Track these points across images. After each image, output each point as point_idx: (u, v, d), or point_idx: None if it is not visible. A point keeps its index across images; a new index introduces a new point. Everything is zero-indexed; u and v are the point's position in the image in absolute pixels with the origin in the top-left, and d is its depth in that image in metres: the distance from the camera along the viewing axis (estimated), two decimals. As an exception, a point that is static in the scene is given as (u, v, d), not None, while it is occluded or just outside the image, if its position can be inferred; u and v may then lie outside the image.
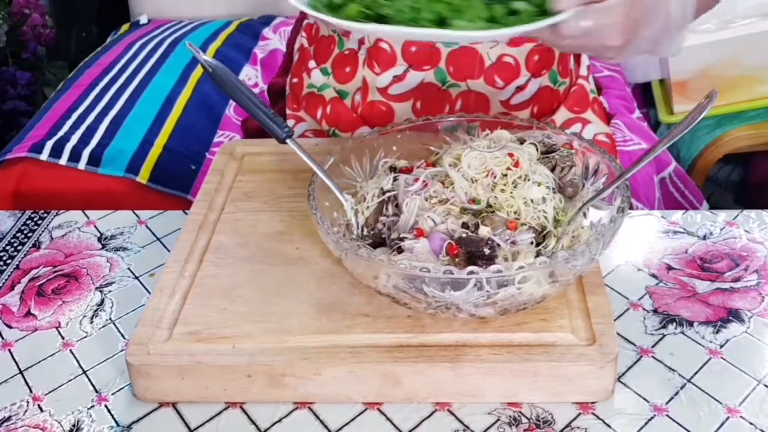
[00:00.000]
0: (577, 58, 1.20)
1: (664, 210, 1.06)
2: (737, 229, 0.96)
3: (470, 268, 0.69)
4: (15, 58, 2.47)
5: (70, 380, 0.81)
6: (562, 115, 1.15)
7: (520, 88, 1.11)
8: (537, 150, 0.85)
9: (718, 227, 0.96)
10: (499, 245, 0.75)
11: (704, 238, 0.94)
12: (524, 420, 0.74)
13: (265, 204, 0.96)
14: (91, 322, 0.87)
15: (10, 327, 0.87)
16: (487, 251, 0.74)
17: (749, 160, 1.94)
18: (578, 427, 0.73)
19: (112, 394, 0.79)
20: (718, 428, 0.72)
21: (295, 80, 1.22)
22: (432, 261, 0.75)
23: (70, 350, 0.84)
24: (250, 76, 1.92)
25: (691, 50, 1.77)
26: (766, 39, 1.75)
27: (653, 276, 0.89)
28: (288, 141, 0.84)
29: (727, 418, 0.73)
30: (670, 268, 0.90)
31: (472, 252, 0.75)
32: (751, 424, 0.73)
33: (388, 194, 0.83)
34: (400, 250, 0.77)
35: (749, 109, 1.81)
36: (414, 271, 0.70)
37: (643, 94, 2.01)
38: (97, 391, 0.79)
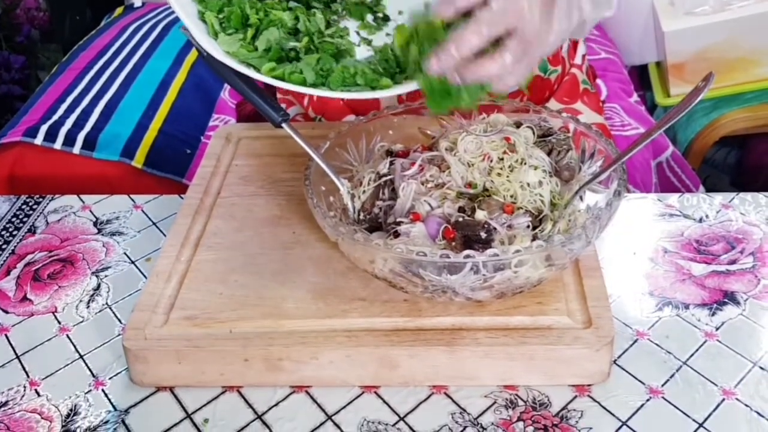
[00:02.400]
0: (574, 45, 1.20)
1: (660, 193, 1.06)
2: (733, 212, 0.96)
3: (467, 252, 0.70)
4: (8, 42, 2.45)
5: (67, 365, 0.81)
6: (551, 105, 1.14)
7: None
8: (533, 134, 0.85)
9: (714, 210, 0.96)
10: (495, 229, 0.75)
11: (700, 221, 0.95)
12: (521, 403, 0.74)
13: (262, 188, 0.96)
14: (88, 307, 0.87)
15: (6, 312, 0.87)
16: (483, 235, 0.74)
17: (746, 143, 1.93)
18: (574, 410, 0.73)
19: (109, 378, 0.79)
20: (714, 410, 0.73)
21: None
22: (428, 245, 0.75)
23: (67, 335, 0.84)
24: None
25: (688, 32, 1.76)
26: (763, 21, 1.74)
27: (649, 259, 0.89)
28: (284, 125, 0.84)
29: (723, 400, 0.74)
30: (666, 251, 0.90)
31: (468, 236, 0.75)
32: (746, 406, 0.73)
33: (384, 178, 0.83)
34: (396, 235, 0.77)
35: (746, 92, 1.81)
36: (410, 255, 0.70)
37: (640, 76, 2.00)
38: (94, 376, 0.79)
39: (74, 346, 0.83)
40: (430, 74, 0.75)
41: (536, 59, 0.76)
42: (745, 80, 1.81)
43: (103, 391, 0.78)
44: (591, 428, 0.71)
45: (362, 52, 0.87)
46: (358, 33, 0.89)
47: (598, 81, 1.44)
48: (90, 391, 0.78)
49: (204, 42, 0.81)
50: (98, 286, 0.90)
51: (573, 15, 0.78)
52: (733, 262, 0.88)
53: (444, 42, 0.73)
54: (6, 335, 0.84)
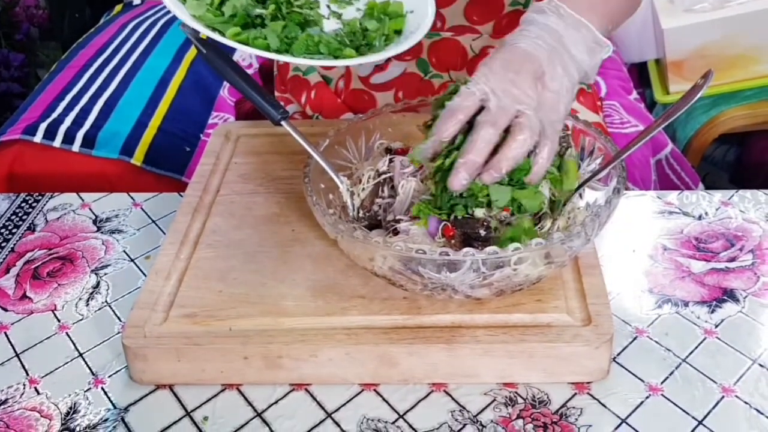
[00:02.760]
0: None
1: (660, 191, 1.06)
2: (732, 209, 0.96)
3: (466, 249, 0.69)
4: (8, 40, 2.45)
5: (67, 363, 0.81)
6: None
7: None
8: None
9: (714, 207, 0.96)
10: (494, 225, 0.75)
11: (699, 218, 0.95)
12: (520, 400, 0.74)
13: (261, 186, 0.96)
14: (87, 305, 0.87)
15: (5, 310, 0.87)
16: (482, 233, 0.74)
17: (745, 140, 1.94)
18: (574, 407, 0.73)
19: (109, 376, 0.79)
20: (713, 407, 0.73)
21: (282, 62, 1.22)
22: (428, 243, 0.75)
23: (66, 333, 0.84)
24: (245, 57, 1.91)
25: (687, 29, 1.76)
26: (762, 18, 1.74)
27: (649, 256, 0.89)
28: (283, 123, 0.84)
29: (722, 397, 0.74)
30: (665, 248, 0.90)
31: (467, 234, 0.75)
32: (745, 403, 0.73)
33: (383, 176, 0.83)
34: (395, 232, 0.77)
35: (745, 89, 1.81)
36: (410, 252, 0.70)
37: (639, 73, 2.00)
38: (93, 374, 0.79)
39: (74, 344, 0.83)
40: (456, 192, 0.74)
41: (556, 132, 0.76)
42: (744, 77, 1.81)
43: (102, 389, 0.78)
44: (590, 426, 0.71)
45: (331, 25, 0.87)
46: (329, 6, 0.89)
47: (598, 78, 1.44)
48: (89, 389, 0.78)
49: (171, 5, 0.81)
50: (98, 284, 0.90)
51: (571, 71, 0.78)
52: (732, 259, 0.88)
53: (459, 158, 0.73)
54: (5, 333, 0.84)
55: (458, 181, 0.73)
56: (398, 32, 0.89)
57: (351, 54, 0.82)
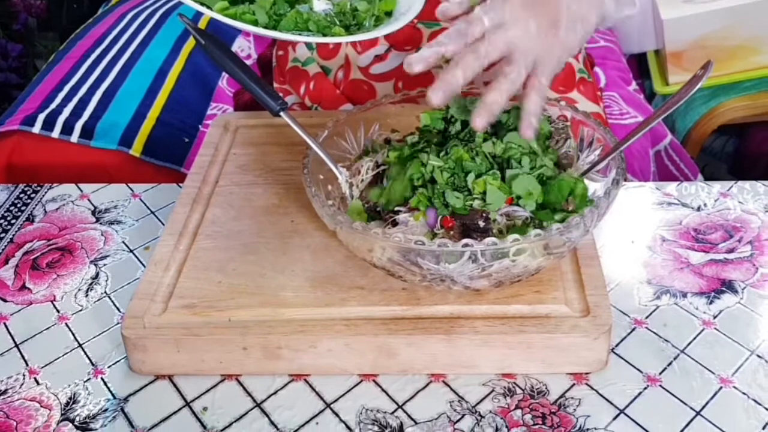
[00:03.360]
0: None
1: (658, 182, 1.06)
2: (731, 201, 0.96)
3: (465, 240, 0.70)
4: (5, 30, 2.44)
5: (66, 353, 0.81)
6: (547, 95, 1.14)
7: None
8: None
9: (712, 198, 0.96)
10: (494, 218, 0.75)
11: (698, 209, 0.95)
12: (518, 391, 0.74)
13: (260, 177, 0.96)
14: (86, 296, 0.87)
15: (5, 301, 0.87)
16: (481, 224, 0.74)
17: (744, 131, 1.93)
18: (572, 398, 0.73)
19: (108, 367, 0.79)
20: (711, 398, 0.73)
21: (280, 52, 1.22)
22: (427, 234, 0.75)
23: (66, 324, 0.84)
24: (243, 47, 1.90)
25: (687, 20, 1.76)
26: (762, 9, 1.74)
27: (647, 248, 0.89)
28: (282, 114, 0.84)
29: (720, 388, 0.74)
30: (664, 239, 0.90)
31: (466, 225, 0.75)
32: (743, 394, 0.73)
33: (382, 167, 0.83)
34: (394, 224, 0.77)
35: (745, 80, 1.81)
36: (409, 244, 0.70)
37: (639, 64, 2.00)
38: (93, 364, 0.79)
39: (73, 335, 0.83)
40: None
41: (548, 79, 0.76)
42: (743, 68, 1.81)
43: (102, 379, 0.78)
44: (589, 416, 0.72)
45: (320, 5, 0.87)
46: None
47: (597, 69, 1.44)
48: (89, 379, 0.78)
49: None
50: (97, 275, 0.90)
51: (590, 20, 0.79)
52: (731, 250, 0.89)
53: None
54: (5, 324, 0.85)
55: (436, 97, 0.74)
56: (389, 14, 0.89)
57: (340, 32, 0.82)
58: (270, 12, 0.81)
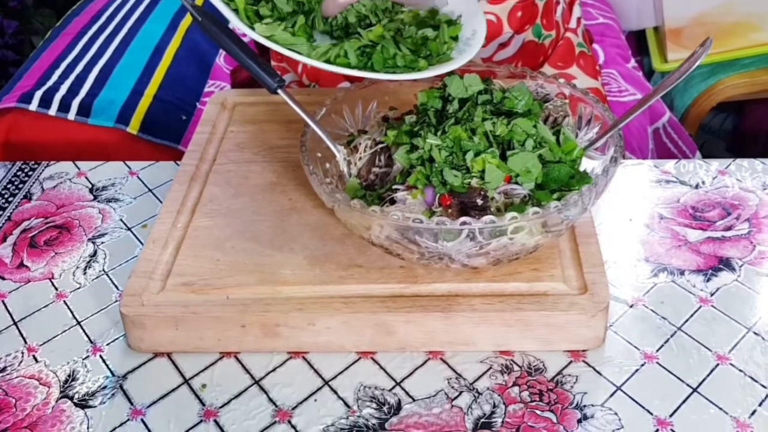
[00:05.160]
0: (569, 8, 1.19)
1: (657, 160, 1.06)
2: (729, 178, 0.96)
3: (463, 218, 0.70)
4: (2, 7, 2.42)
5: (65, 331, 0.81)
6: (546, 70, 1.14)
7: (502, 45, 1.09)
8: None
9: (710, 176, 0.96)
10: (492, 196, 0.75)
11: (696, 187, 0.95)
12: (516, 368, 0.74)
13: (258, 155, 0.95)
14: (85, 274, 0.87)
15: (3, 278, 0.88)
16: (479, 202, 0.74)
17: (743, 109, 1.93)
18: (569, 375, 0.74)
19: (107, 344, 0.79)
20: (708, 375, 0.73)
21: None
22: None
23: (64, 301, 0.84)
24: (241, 24, 1.89)
25: (687, -3, 1.75)
26: (761, -15, 1.73)
27: (645, 225, 0.89)
28: (279, 91, 0.83)
29: (717, 365, 0.74)
30: (661, 217, 0.90)
31: (464, 203, 0.75)
32: (740, 371, 0.74)
33: (380, 145, 0.83)
34: (392, 202, 0.77)
35: (744, 57, 1.80)
36: (407, 222, 0.70)
37: (638, 41, 1.99)
38: (91, 342, 0.79)
39: (71, 313, 0.83)
40: None
41: None
42: (742, 45, 1.80)
43: (101, 356, 0.78)
44: (586, 393, 0.72)
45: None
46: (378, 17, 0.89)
47: (596, 46, 1.43)
48: (88, 357, 0.78)
49: (238, 24, 0.83)
50: (95, 253, 0.90)
51: None
52: (728, 228, 0.89)
53: None
54: (3, 301, 0.85)
55: None
56: (454, 38, 0.88)
57: (424, 65, 0.82)
58: (358, 52, 0.82)
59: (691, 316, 0.79)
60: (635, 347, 0.76)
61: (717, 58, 1.80)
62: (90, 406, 0.73)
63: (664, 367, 0.74)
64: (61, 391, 0.75)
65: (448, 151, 0.75)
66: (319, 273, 0.78)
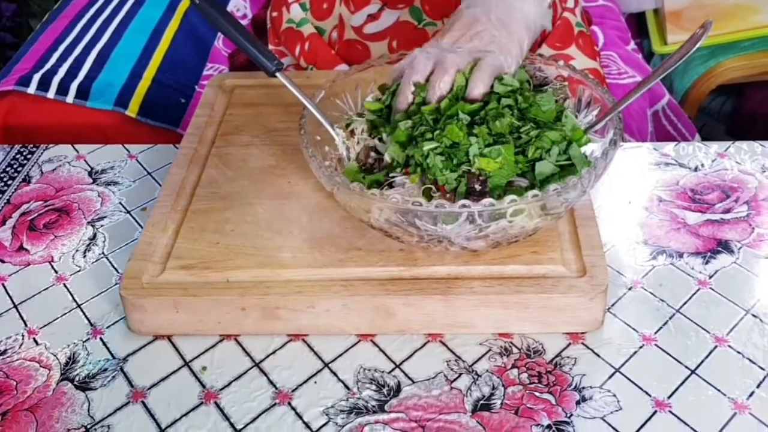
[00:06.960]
0: None
1: (656, 142, 1.06)
2: (728, 161, 0.96)
3: (462, 201, 0.70)
4: (-1, -10, 2.42)
5: (65, 314, 0.81)
6: (543, 51, 1.13)
7: None
8: (530, 83, 0.84)
9: (710, 159, 0.96)
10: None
11: (695, 169, 0.95)
12: (515, 350, 0.75)
13: (256, 138, 0.95)
14: (84, 257, 0.88)
15: (2, 261, 0.88)
16: (478, 187, 0.74)
17: (742, 91, 1.93)
18: (568, 357, 0.74)
19: (107, 327, 0.79)
20: (706, 357, 0.74)
21: (275, 14, 1.20)
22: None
23: (64, 284, 0.84)
24: (239, 7, 1.88)
25: (686, -21, 1.74)
26: (761, -33, 1.72)
27: (644, 208, 0.89)
28: (278, 74, 0.83)
29: (715, 347, 0.74)
30: (660, 200, 0.90)
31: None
32: (738, 353, 0.74)
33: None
34: (391, 185, 0.77)
35: (743, 39, 1.80)
36: (406, 205, 0.70)
37: (637, 24, 1.99)
38: (92, 325, 0.80)
39: (72, 296, 0.83)
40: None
41: (487, 71, 0.79)
42: (742, 28, 1.80)
43: (101, 339, 0.78)
44: (584, 375, 0.72)
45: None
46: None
47: (595, 28, 1.43)
48: (88, 339, 0.78)
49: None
50: (94, 236, 0.90)
51: (516, 28, 0.86)
52: (727, 210, 0.89)
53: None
54: (3, 284, 0.85)
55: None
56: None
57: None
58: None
59: (690, 298, 0.79)
60: (634, 329, 0.76)
61: (717, 41, 1.79)
62: (91, 389, 0.74)
63: (662, 349, 0.74)
64: (61, 374, 0.75)
65: (444, 154, 0.74)
66: (318, 256, 0.79)
